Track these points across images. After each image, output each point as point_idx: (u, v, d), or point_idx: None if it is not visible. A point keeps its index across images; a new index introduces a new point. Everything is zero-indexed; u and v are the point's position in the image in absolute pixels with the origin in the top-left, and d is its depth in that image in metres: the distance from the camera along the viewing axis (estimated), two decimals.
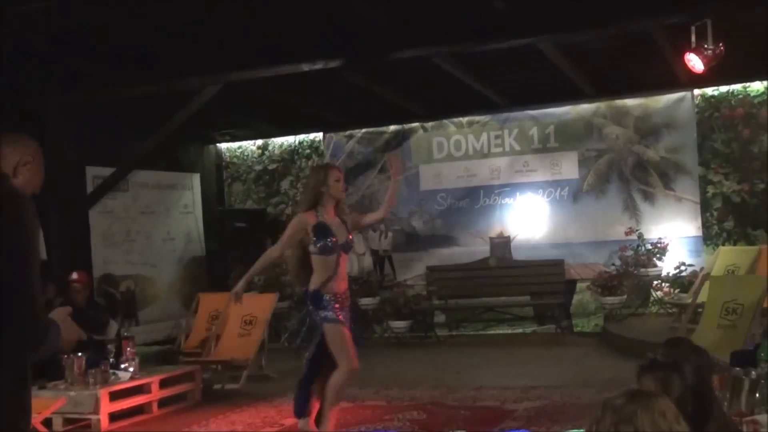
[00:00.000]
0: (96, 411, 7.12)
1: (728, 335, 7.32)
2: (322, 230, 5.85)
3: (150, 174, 11.89)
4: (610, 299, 11.02)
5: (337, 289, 5.90)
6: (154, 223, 12.04)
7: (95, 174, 10.85)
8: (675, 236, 11.19)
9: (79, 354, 7.46)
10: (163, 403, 7.92)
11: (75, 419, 7.23)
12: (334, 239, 5.84)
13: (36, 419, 6.62)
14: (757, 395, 4.08)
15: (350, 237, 6.07)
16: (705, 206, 11.18)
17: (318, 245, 5.82)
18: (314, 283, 5.87)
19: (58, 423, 7.10)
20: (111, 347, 7.87)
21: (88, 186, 10.79)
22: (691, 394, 2.79)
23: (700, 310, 8.43)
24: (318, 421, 6.04)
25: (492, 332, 11.89)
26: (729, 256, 10.19)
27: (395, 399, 7.60)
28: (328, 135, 13.12)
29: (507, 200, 12.09)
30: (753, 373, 4.17)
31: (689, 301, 9.22)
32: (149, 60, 9.25)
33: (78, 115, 10.32)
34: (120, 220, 11.39)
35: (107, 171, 10.76)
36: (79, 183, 10.69)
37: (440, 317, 12.12)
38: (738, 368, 4.42)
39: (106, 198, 11.03)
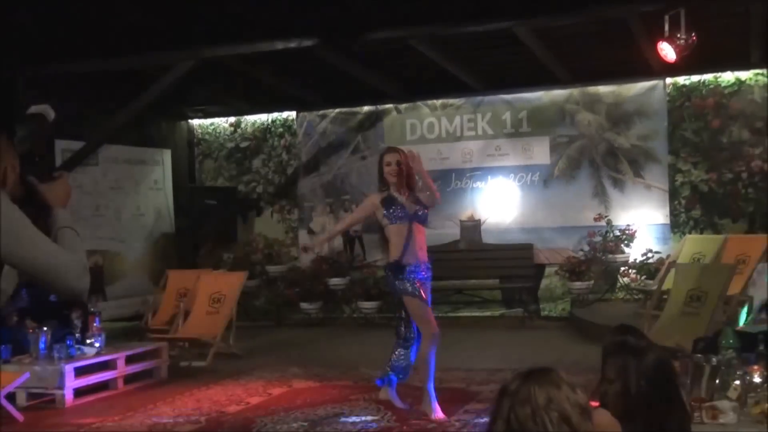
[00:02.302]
0: (61, 386, 7.09)
1: (692, 322, 7.40)
2: (389, 201, 6.36)
3: (120, 149, 11.79)
4: (578, 284, 11.13)
5: (415, 259, 6.29)
6: (123, 198, 11.95)
7: (64, 147, 10.73)
8: (643, 223, 11.30)
9: (45, 328, 7.42)
10: (129, 379, 7.91)
11: (39, 394, 7.20)
12: (402, 206, 6.31)
13: None
14: (717, 381, 4.14)
15: (425, 210, 6.41)
16: (673, 194, 11.29)
17: (386, 214, 6.34)
18: (392, 255, 6.35)
19: (21, 398, 7.06)
20: (77, 322, 7.82)
21: (57, 159, 10.67)
22: (650, 384, 2.84)
23: (665, 296, 8.53)
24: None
25: (460, 314, 11.96)
26: (695, 244, 10.29)
27: (362, 379, 7.63)
28: (301, 114, 13.06)
29: (478, 184, 12.13)
30: (714, 359, 4.23)
31: (655, 287, 9.32)
32: (122, 33, 9.15)
33: (48, 87, 10.19)
34: (89, 195, 11.28)
35: (77, 145, 10.64)
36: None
37: None
38: (699, 355, 4.48)
39: (75, 172, 10.90)
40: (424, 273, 6.36)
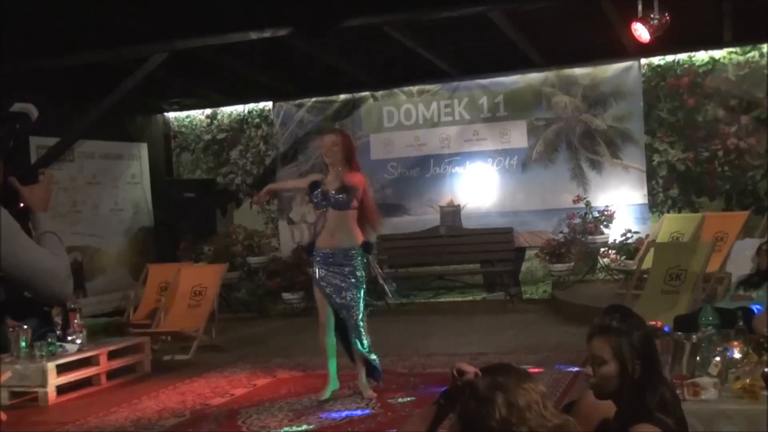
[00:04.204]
0: (43, 384, 7.06)
1: (672, 301, 7.48)
2: (314, 186, 6.55)
3: (96, 144, 11.70)
4: (558, 266, 11.18)
5: (324, 244, 6.47)
6: (101, 193, 11.87)
7: (39, 144, 10.63)
8: (621, 204, 11.35)
9: (25, 326, 7.37)
10: (111, 375, 7.87)
11: (22, 392, 7.16)
12: (325, 193, 6.42)
13: None
14: (698, 358, 4.18)
15: (339, 195, 6.42)
16: (651, 174, 11.35)
17: (309, 197, 6.66)
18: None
19: (4, 397, 7.03)
20: (58, 319, 7.77)
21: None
22: (639, 361, 2.86)
23: (645, 276, 8.59)
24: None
25: (442, 300, 11.99)
26: (673, 223, 10.38)
27: (345, 367, 7.59)
28: (277, 104, 13.01)
29: (457, 169, 12.13)
30: (694, 337, 4.27)
31: (635, 267, 9.39)
32: (95, 27, 9.06)
33: (21, 83, 10.09)
34: (66, 191, 11.20)
35: (51, 141, 10.55)
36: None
37: (390, 285, 12.15)
38: (680, 333, 4.52)
39: (51, 168, 10.80)
40: (331, 260, 6.44)
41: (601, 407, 3.00)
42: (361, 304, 6.51)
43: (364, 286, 6.56)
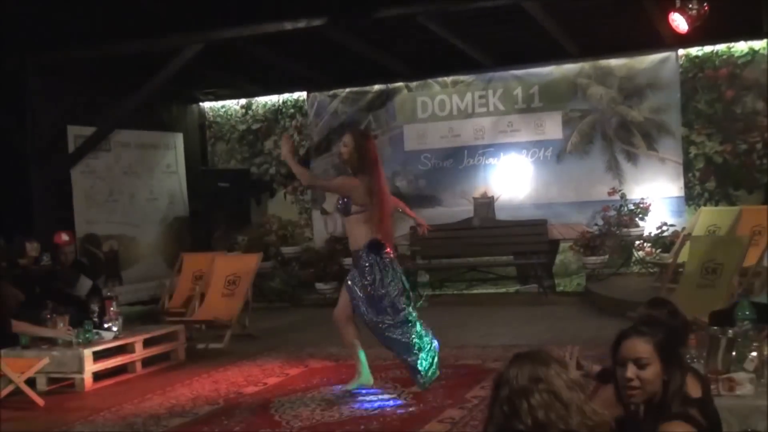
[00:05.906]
0: (80, 370, 7.15)
1: (708, 295, 7.38)
2: None
3: (132, 133, 11.81)
4: (593, 259, 11.10)
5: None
6: (136, 182, 11.99)
7: (77, 133, 10.76)
8: (657, 196, 11.24)
9: (63, 314, 7.47)
10: (146, 362, 7.96)
11: (59, 378, 7.26)
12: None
13: (19, 379, 6.66)
14: (734, 353, 4.13)
15: (341, 201, 6.49)
16: (687, 167, 11.22)
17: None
18: None
19: (41, 383, 7.13)
20: (94, 307, 7.86)
21: (69, 145, 10.71)
22: (677, 359, 2.81)
23: (680, 269, 8.50)
24: None
25: (475, 292, 11.97)
26: (710, 216, 10.25)
27: (378, 358, 7.62)
28: (312, 94, 13.04)
29: (491, 160, 12.09)
30: (730, 332, 4.22)
31: (670, 260, 9.30)
32: (131, 17, 9.14)
33: (59, 74, 10.22)
34: (102, 180, 11.33)
35: (89, 130, 10.67)
36: (61, 142, 10.61)
37: (424, 277, 12.18)
38: (715, 327, 4.47)
39: (88, 158, 10.96)
40: (353, 262, 6.56)
41: (615, 403, 2.92)
42: (385, 305, 6.35)
43: (383, 288, 6.32)
